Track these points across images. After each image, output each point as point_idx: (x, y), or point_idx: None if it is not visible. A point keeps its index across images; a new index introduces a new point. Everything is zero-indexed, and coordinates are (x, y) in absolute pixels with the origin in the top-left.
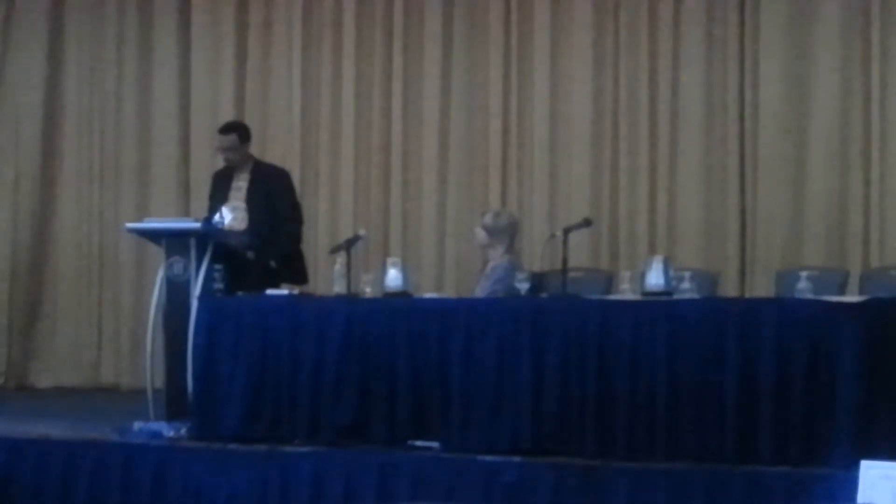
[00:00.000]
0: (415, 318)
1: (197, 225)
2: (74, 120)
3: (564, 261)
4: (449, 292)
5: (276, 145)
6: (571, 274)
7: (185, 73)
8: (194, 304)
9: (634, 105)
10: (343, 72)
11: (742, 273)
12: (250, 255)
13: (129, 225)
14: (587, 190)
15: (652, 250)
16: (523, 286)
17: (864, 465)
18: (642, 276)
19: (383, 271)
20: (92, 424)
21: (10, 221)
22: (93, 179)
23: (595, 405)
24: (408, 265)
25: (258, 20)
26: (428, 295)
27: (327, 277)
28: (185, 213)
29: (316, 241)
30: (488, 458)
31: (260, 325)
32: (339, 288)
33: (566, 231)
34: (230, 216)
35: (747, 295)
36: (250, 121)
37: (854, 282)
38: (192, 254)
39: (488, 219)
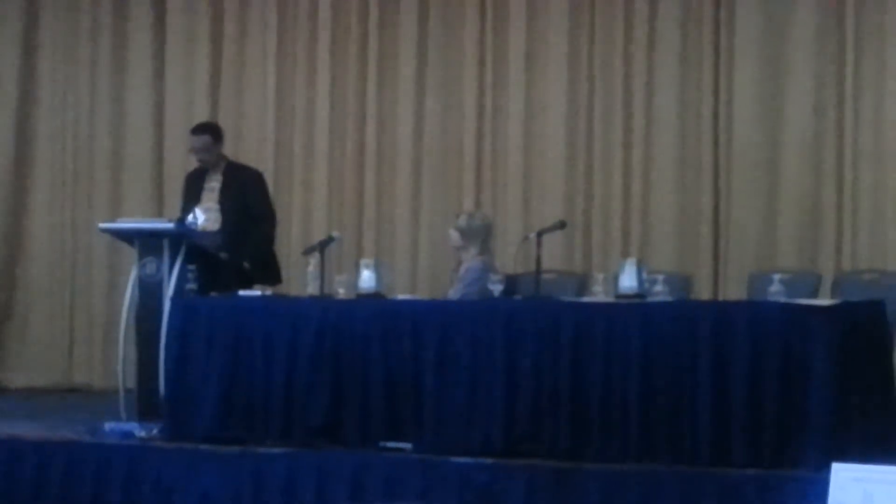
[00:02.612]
0: (388, 319)
1: (170, 225)
2: (47, 120)
3: (538, 263)
4: (422, 294)
5: (249, 147)
6: (545, 276)
7: (159, 74)
8: (167, 304)
9: (609, 108)
10: (317, 73)
11: (715, 276)
12: (223, 255)
13: (102, 225)
14: (561, 192)
15: (625, 253)
16: (497, 288)
17: (836, 467)
18: (616, 278)
19: (357, 272)
20: (64, 425)
21: None
22: (66, 179)
23: (568, 407)
24: (381, 266)
25: (233, 22)
26: (401, 296)
27: (300, 278)
28: (159, 213)
29: (289, 241)
30: (461, 459)
31: (233, 326)
32: (312, 289)
33: (540, 233)
34: (203, 217)
35: (720, 298)
36: (224, 122)
37: (826, 285)
38: (166, 254)
39: (462, 220)
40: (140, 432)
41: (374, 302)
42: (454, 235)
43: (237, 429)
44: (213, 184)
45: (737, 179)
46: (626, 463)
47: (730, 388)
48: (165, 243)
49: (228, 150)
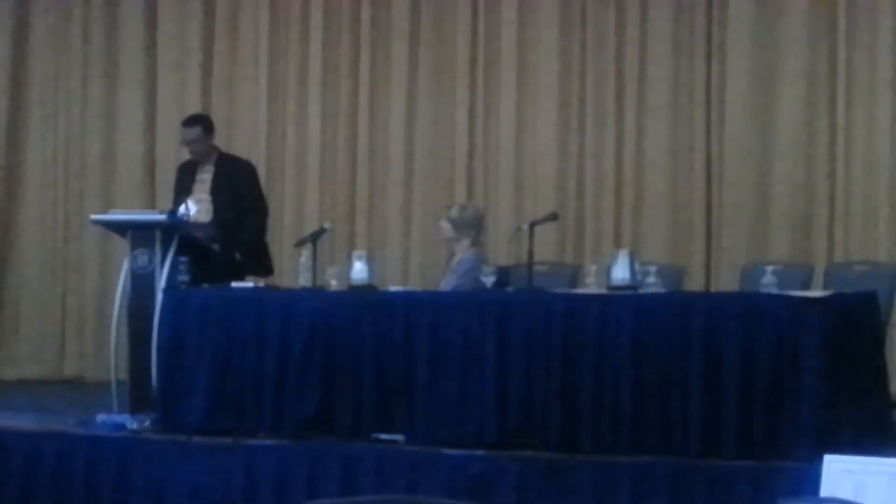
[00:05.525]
0: (380, 311)
1: (162, 217)
2: (39, 112)
3: (530, 254)
4: (414, 285)
5: (242, 138)
6: (537, 267)
7: (150, 65)
8: (159, 296)
9: (601, 99)
10: (310, 65)
11: (707, 267)
12: (215, 247)
13: (94, 217)
14: (553, 184)
15: (617, 244)
16: (489, 279)
17: (828, 459)
18: (608, 269)
19: (349, 264)
20: (56, 417)
21: None
22: (57, 171)
23: (560, 398)
24: (373, 258)
25: (225, 13)
26: (393, 288)
27: (293, 270)
28: (151, 205)
29: (281, 233)
30: (453, 451)
31: (225, 318)
32: (304, 281)
33: (532, 224)
34: (195, 208)
35: (712, 289)
36: (216, 114)
37: (818, 277)
38: (157, 246)
39: (454, 212)
40: (132, 424)
41: (366, 294)
42: (446, 227)
43: (229, 420)
44: (205, 175)
45: (729, 171)
46: (617, 454)
47: (722, 380)
48: (157, 235)
49: (221, 143)
